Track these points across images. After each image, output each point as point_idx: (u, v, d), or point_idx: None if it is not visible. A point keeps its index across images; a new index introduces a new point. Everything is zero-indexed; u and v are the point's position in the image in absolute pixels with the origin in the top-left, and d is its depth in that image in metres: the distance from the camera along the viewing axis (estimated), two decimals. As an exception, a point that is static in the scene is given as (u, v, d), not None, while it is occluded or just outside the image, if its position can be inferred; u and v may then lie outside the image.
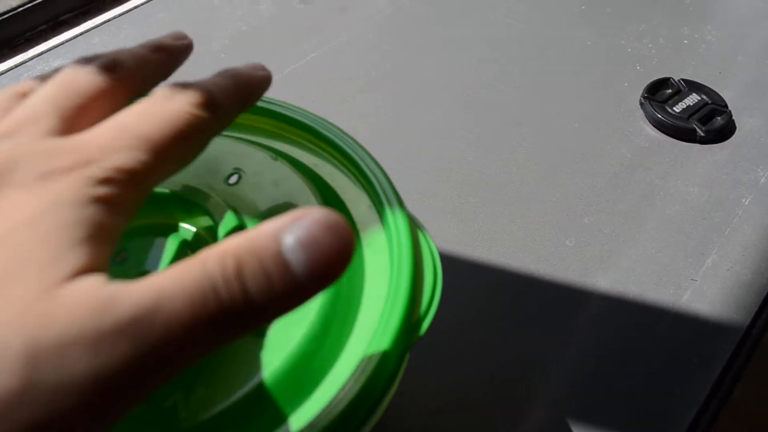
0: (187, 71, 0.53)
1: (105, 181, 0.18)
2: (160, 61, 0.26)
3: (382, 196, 0.27)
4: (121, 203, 0.18)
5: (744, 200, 0.47)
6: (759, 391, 1.14)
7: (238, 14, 0.60)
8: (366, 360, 0.22)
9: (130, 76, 0.24)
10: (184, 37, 0.28)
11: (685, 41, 0.60)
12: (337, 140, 0.30)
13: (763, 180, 0.48)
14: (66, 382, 0.14)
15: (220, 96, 0.22)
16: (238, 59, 0.54)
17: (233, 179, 0.28)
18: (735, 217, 0.45)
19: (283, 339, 0.23)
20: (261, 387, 0.22)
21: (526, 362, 0.38)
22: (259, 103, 0.31)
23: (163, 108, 0.21)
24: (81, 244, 0.16)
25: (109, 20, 0.61)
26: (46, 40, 0.61)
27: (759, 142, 0.51)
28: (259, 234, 0.17)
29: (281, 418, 0.22)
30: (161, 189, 0.27)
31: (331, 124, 0.30)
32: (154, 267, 0.25)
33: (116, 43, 0.58)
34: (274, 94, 0.52)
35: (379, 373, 0.22)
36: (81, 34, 0.59)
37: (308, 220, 0.17)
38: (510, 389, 0.37)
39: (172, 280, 0.16)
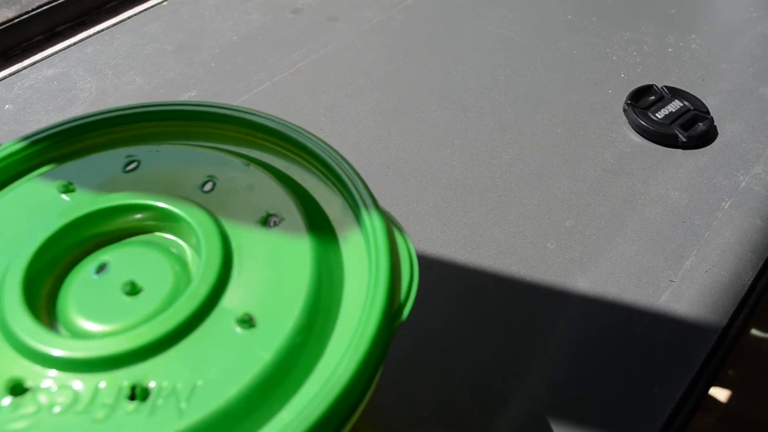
0: (177, 80, 0.54)
1: None
2: None
3: (355, 194, 0.28)
4: None
5: (724, 204, 0.47)
6: (752, 397, 1.15)
7: (229, 24, 0.62)
8: (353, 347, 0.23)
9: None
10: None
11: (670, 49, 0.61)
12: (306, 143, 0.30)
13: (743, 184, 0.49)
14: None
15: None
16: (228, 68, 0.56)
17: (208, 186, 0.28)
18: (714, 221, 0.46)
19: (272, 333, 0.23)
20: (255, 380, 0.22)
21: (506, 362, 0.38)
22: (228, 112, 0.31)
23: None
24: None
25: (102, 30, 0.62)
26: (42, 50, 0.62)
27: (740, 147, 0.52)
28: None
29: (276, 407, 0.22)
30: (135, 200, 0.27)
31: (300, 128, 0.31)
32: (141, 278, 0.25)
33: (109, 53, 0.59)
34: (265, 103, 0.53)
35: (369, 357, 0.23)
36: (75, 44, 0.60)
37: None
38: (490, 389, 0.37)
39: None
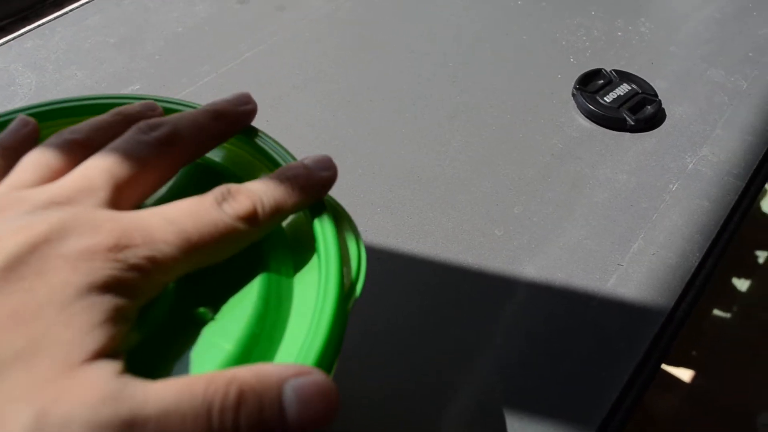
0: (120, 74, 0.53)
1: (136, 267, 0.20)
2: (218, 130, 0.27)
3: None
4: (142, 290, 0.20)
5: (671, 186, 0.47)
6: (721, 382, 1.16)
7: (174, 15, 0.60)
8: (314, 325, 0.23)
9: (186, 149, 0.25)
10: (248, 101, 0.29)
11: (619, 33, 0.61)
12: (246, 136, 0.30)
13: (690, 166, 0.49)
14: None
15: (265, 211, 0.24)
16: (173, 61, 0.54)
17: None
18: (662, 203, 0.46)
19: (231, 324, 0.23)
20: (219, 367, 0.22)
21: (457, 350, 0.38)
22: (170, 105, 0.30)
23: (209, 213, 0.22)
24: (101, 326, 0.18)
25: (43, 24, 0.60)
26: (-19, 46, 0.60)
27: (687, 129, 0.52)
28: (265, 375, 0.19)
29: None
30: None
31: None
32: None
33: (50, 47, 0.57)
34: (211, 95, 0.52)
35: (331, 336, 0.22)
36: (14, 38, 0.59)
37: (309, 380, 0.19)
38: (442, 376, 0.37)
39: (175, 395, 0.17)
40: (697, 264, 0.43)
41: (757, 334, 1.25)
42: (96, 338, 0.18)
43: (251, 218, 0.23)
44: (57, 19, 0.61)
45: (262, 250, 0.26)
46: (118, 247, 0.20)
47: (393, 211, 0.45)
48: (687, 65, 0.58)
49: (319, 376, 0.20)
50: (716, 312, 1.29)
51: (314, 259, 0.26)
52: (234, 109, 0.28)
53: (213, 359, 0.22)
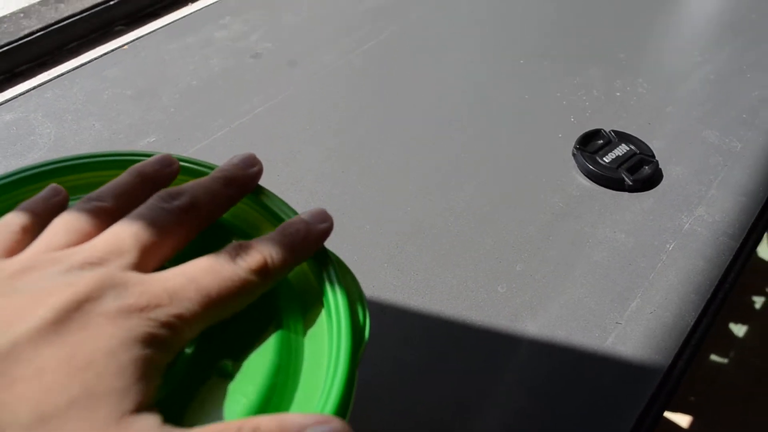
0: (136, 126, 0.55)
1: (166, 324, 0.22)
2: (229, 196, 0.30)
3: None
4: (172, 345, 0.22)
5: (668, 246, 0.49)
6: (718, 427, 1.17)
7: (190, 69, 0.62)
8: (330, 375, 0.25)
9: (202, 215, 0.28)
10: (254, 163, 0.31)
11: (618, 93, 0.63)
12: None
13: (686, 226, 0.51)
14: None
15: (275, 263, 0.26)
16: (187, 114, 0.56)
17: None
18: (659, 263, 0.48)
19: (251, 375, 0.25)
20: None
21: (459, 405, 0.39)
22: (184, 164, 0.32)
23: (224, 269, 0.25)
24: (145, 378, 0.20)
25: (62, 74, 0.62)
26: (1, 91, 0.62)
27: (684, 189, 0.54)
28: (287, 424, 0.21)
29: None
30: None
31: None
32: None
33: (69, 98, 0.59)
34: (224, 149, 0.54)
35: (347, 385, 0.24)
36: (34, 87, 0.61)
37: (328, 428, 0.21)
38: (444, 430, 0.38)
39: None
40: (693, 323, 0.45)
41: (753, 380, 1.26)
42: (141, 389, 0.20)
43: (263, 271, 0.26)
44: (76, 70, 0.63)
45: (276, 306, 0.28)
46: (149, 307, 0.22)
47: (399, 267, 0.46)
48: (683, 126, 0.60)
49: (337, 424, 0.21)
50: (713, 357, 1.30)
51: (323, 313, 0.28)
52: (243, 174, 0.31)
53: (234, 409, 0.24)
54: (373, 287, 0.45)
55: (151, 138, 0.55)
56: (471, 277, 0.46)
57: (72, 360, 0.19)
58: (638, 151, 0.55)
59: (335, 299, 0.27)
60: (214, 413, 0.24)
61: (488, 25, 0.72)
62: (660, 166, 0.55)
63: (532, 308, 0.44)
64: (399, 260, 0.47)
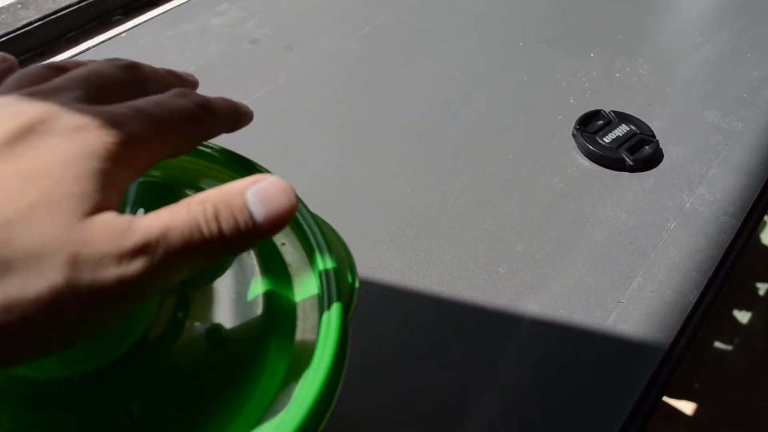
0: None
1: (123, 143, 0.22)
2: (171, 74, 0.30)
3: (308, 233, 0.29)
4: (131, 164, 0.22)
5: (669, 224, 0.49)
6: (723, 413, 1.17)
7: (188, 55, 0.62)
8: (324, 326, 0.25)
9: (146, 77, 0.28)
10: (192, 76, 0.33)
11: (618, 74, 0.63)
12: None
13: (687, 205, 0.50)
14: (99, 281, 0.19)
15: (218, 107, 0.27)
16: (185, 99, 0.56)
17: None
18: (660, 241, 0.48)
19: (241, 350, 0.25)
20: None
21: (461, 385, 0.39)
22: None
23: (173, 101, 0.25)
24: (103, 188, 0.21)
25: (60, 63, 0.62)
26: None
27: (684, 169, 0.53)
28: (229, 190, 0.22)
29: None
30: None
31: (253, 162, 0.32)
32: None
33: (67, 85, 0.59)
34: (222, 134, 0.54)
35: (343, 336, 0.25)
36: (32, 76, 0.61)
37: (266, 182, 0.22)
38: (446, 410, 0.38)
39: (167, 218, 0.21)
40: (695, 301, 0.45)
41: (757, 366, 1.25)
42: (99, 196, 0.21)
43: (208, 108, 0.26)
44: (74, 58, 0.63)
45: (264, 271, 0.28)
46: (104, 126, 0.22)
47: (400, 247, 0.46)
48: (683, 106, 0.60)
49: (274, 178, 0.23)
50: (717, 344, 1.30)
51: (312, 276, 0.28)
52: (184, 74, 0.32)
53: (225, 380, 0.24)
54: (373, 269, 0.45)
55: (150, 124, 0.55)
56: (471, 257, 0.46)
57: (29, 172, 0.20)
58: (638, 131, 0.55)
59: (323, 261, 0.27)
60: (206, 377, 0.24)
61: (486, 9, 0.72)
62: (660, 146, 0.55)
63: (533, 288, 0.44)
64: (399, 242, 0.47)
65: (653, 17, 0.72)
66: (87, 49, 0.64)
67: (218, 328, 0.26)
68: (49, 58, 0.66)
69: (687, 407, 1.18)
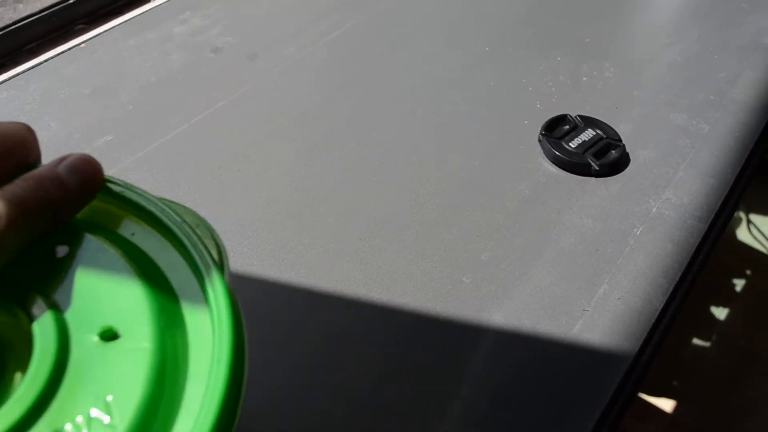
0: (93, 125, 0.53)
1: None
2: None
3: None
4: None
5: (636, 230, 0.49)
6: (702, 411, 1.17)
7: (148, 65, 0.61)
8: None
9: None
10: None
11: (584, 78, 0.62)
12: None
13: (654, 210, 0.50)
14: None
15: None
16: (147, 111, 0.55)
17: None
18: (627, 247, 0.47)
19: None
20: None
21: (424, 398, 0.39)
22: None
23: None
24: None
25: (18, 74, 0.61)
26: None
27: (651, 173, 0.53)
28: (43, 170, 0.25)
29: None
30: None
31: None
32: None
33: (24, 98, 0.58)
34: (183, 145, 0.53)
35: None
36: (-11, 89, 0.59)
37: (72, 158, 0.26)
38: (408, 425, 0.37)
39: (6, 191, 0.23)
40: (661, 307, 0.44)
41: (735, 363, 1.26)
42: None
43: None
44: (32, 70, 0.61)
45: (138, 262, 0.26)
46: None
47: (362, 259, 0.45)
48: (650, 109, 0.59)
49: (77, 154, 0.26)
50: (696, 341, 1.30)
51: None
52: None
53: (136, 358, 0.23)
54: (335, 281, 0.44)
55: (109, 137, 0.54)
56: (436, 268, 0.45)
57: None
58: (605, 136, 0.54)
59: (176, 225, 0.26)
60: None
61: (453, 13, 0.71)
62: (627, 150, 0.54)
63: (498, 298, 0.44)
64: (362, 253, 0.46)
65: (620, 20, 0.71)
66: (45, 60, 0.63)
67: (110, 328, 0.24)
68: (10, 69, 0.64)
69: (666, 405, 1.18)
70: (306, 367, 0.40)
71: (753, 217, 1.46)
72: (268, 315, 0.42)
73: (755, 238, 1.44)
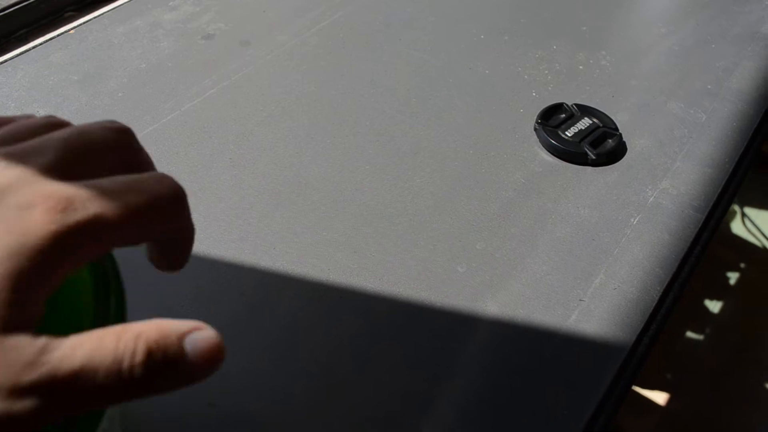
0: (82, 111, 0.52)
1: (70, 229, 0.20)
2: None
3: None
4: (75, 253, 0.20)
5: (632, 220, 0.48)
6: (696, 404, 1.17)
7: (138, 52, 0.60)
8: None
9: (138, 147, 0.25)
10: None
11: (581, 67, 0.62)
12: None
13: (651, 199, 0.49)
14: None
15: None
16: (136, 98, 0.54)
17: None
18: (623, 237, 0.47)
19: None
20: None
21: (418, 388, 0.38)
22: None
23: (152, 185, 0.22)
24: (21, 302, 0.19)
25: (6, 61, 0.60)
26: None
27: (648, 162, 0.52)
28: (168, 331, 0.20)
29: None
30: None
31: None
32: None
33: (12, 85, 0.57)
34: (174, 133, 0.52)
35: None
36: (-25, 76, 0.58)
37: (203, 335, 0.21)
38: (404, 416, 0.37)
39: (88, 352, 0.19)
40: (658, 298, 0.44)
41: (729, 355, 1.26)
42: (17, 311, 0.18)
43: (182, 199, 0.24)
44: (20, 56, 0.60)
45: None
46: (56, 206, 0.20)
47: (356, 248, 0.45)
48: (647, 98, 0.59)
49: (210, 332, 0.21)
50: (689, 334, 1.30)
51: None
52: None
53: None
54: (329, 270, 0.43)
55: (98, 124, 0.53)
56: (429, 257, 0.44)
57: None
58: (601, 125, 0.54)
59: None
60: None
61: (447, 1, 0.70)
62: (624, 139, 0.54)
63: (493, 287, 0.43)
64: (355, 242, 0.45)
65: (617, 8, 0.71)
66: (36, 46, 0.61)
67: None
68: (-2, 56, 0.63)
69: (659, 398, 1.18)
70: (297, 356, 0.39)
71: (747, 210, 1.46)
72: (260, 304, 0.41)
73: (749, 230, 1.44)
